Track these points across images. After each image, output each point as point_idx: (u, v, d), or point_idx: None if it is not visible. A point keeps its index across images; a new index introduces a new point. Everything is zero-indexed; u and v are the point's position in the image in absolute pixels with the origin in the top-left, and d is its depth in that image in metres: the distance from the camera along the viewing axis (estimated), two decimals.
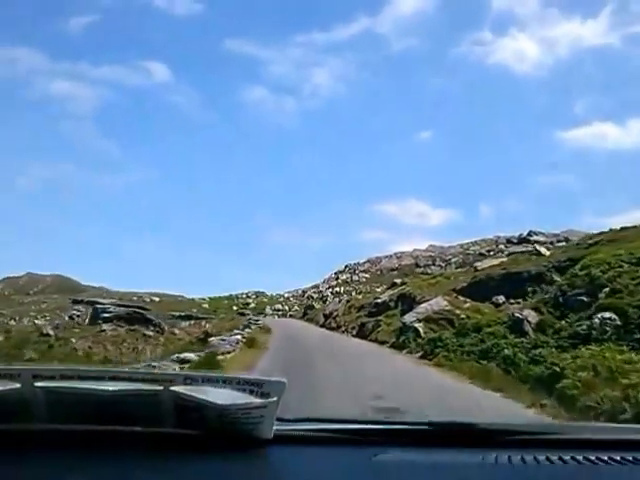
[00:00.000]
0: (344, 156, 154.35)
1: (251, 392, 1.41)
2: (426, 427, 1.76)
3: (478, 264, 34.35)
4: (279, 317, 69.68)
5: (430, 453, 1.60)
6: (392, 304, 35.11)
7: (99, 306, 55.89)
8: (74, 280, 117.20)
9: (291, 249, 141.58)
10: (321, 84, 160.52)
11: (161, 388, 1.38)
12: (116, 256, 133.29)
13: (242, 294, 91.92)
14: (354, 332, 36.74)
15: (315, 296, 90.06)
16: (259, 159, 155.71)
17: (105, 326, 47.84)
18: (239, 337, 26.54)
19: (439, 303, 27.34)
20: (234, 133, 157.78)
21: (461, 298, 28.41)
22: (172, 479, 1.39)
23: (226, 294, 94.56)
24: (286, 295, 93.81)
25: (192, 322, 54.04)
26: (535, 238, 53.93)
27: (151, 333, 43.08)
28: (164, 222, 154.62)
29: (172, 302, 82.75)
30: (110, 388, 1.36)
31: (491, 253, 70.49)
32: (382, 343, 29.33)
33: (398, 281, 52.45)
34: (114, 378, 1.40)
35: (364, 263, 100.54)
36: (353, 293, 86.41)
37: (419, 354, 23.22)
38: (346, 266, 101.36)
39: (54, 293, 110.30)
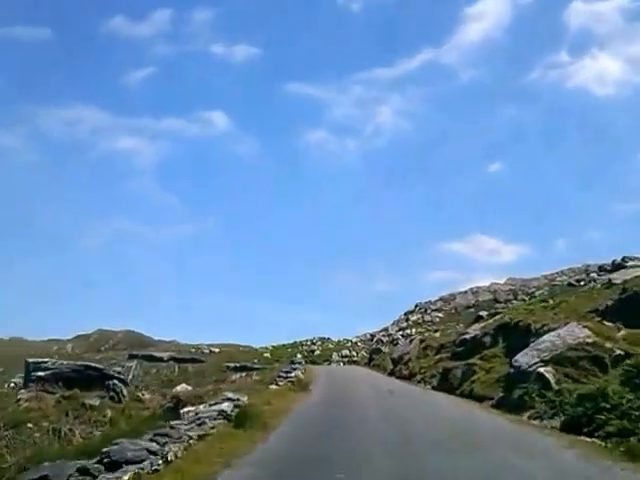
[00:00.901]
0: (409, 194, 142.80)
1: None
2: None
3: (614, 275, 22.32)
4: (344, 364, 57.84)
5: None
6: (488, 340, 23.07)
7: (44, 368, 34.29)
8: (145, 335, 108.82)
9: (356, 293, 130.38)
10: (384, 121, 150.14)
11: None
12: (187, 310, 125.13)
13: (307, 341, 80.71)
14: (434, 382, 24.83)
15: (385, 339, 78.07)
16: (321, 202, 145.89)
17: (24, 393, 31.90)
18: (228, 406, 14.80)
19: (574, 333, 15.28)
20: (296, 177, 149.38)
21: (608, 324, 16.06)
22: None
23: (291, 342, 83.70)
24: (354, 340, 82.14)
25: (243, 374, 42.95)
26: (632, 263, 41.01)
27: (98, 402, 28.46)
28: (230, 272, 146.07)
29: (233, 352, 72.95)
30: None
31: (581, 283, 57.31)
32: (481, 400, 17.28)
33: (484, 314, 40.33)
34: None
35: (436, 301, 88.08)
36: (426, 334, 74.21)
37: (557, 422, 11.58)
38: (416, 305, 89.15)
39: (124, 349, 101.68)
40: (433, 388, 25.72)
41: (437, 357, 30.40)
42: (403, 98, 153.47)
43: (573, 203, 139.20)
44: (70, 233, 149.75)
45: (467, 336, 26.69)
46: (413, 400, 19.68)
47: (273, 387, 23.81)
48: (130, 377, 47.60)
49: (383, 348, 50.96)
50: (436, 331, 50.12)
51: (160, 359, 60.31)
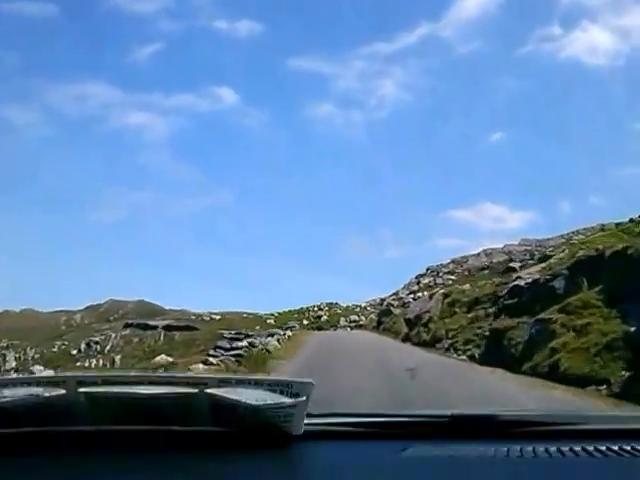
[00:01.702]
0: (414, 164, 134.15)
1: (281, 392, 1.37)
2: (450, 419, 1.61)
3: None
4: (352, 329, 48.73)
5: (454, 446, 1.45)
6: (561, 284, 13.52)
7: None
8: (156, 305, 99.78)
9: (364, 259, 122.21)
10: (387, 94, 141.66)
11: (196, 391, 1.35)
12: (198, 278, 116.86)
13: (314, 306, 71.71)
14: (474, 351, 15.69)
15: (395, 303, 69.03)
16: (329, 173, 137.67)
17: None
18: None
19: None
20: (303, 150, 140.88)
21: None
22: (207, 474, 1.35)
23: (297, 307, 74.70)
24: (363, 305, 73.11)
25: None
26: None
27: None
28: (241, 240, 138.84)
29: (235, 319, 64.20)
30: (148, 391, 1.32)
31: None
32: (582, 383, 7.01)
33: (516, 265, 31.80)
34: (153, 382, 1.37)
35: (448, 264, 78.91)
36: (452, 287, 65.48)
37: None
38: (428, 269, 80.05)
39: (135, 318, 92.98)
40: (472, 359, 16.75)
41: (471, 315, 21.51)
42: (404, 71, 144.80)
43: (573, 170, 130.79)
44: (84, 206, 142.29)
45: (521, 282, 17.52)
46: (468, 393, 10.37)
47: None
48: (108, 347, 38.87)
49: (394, 309, 41.77)
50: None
51: (154, 327, 51.83)
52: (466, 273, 75.10)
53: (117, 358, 36.83)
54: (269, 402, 1.32)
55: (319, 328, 59.86)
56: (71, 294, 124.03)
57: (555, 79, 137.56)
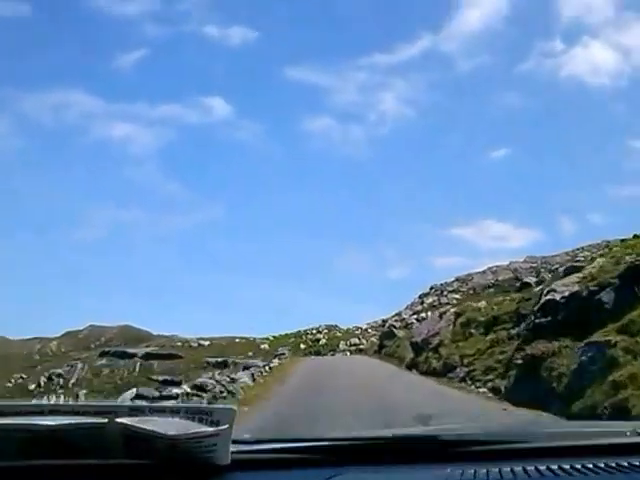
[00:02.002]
0: (416, 180, 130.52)
1: (200, 420, 1.26)
2: (389, 441, 1.57)
3: None
4: (351, 354, 44.55)
5: (393, 471, 1.38)
6: (610, 298, 9.47)
7: None
8: (143, 330, 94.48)
9: (365, 279, 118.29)
10: (387, 108, 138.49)
11: (106, 420, 1.23)
12: (189, 301, 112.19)
13: (312, 329, 67.59)
14: (499, 383, 11.63)
15: (398, 325, 65.03)
16: (327, 188, 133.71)
17: None
18: None
19: None
20: (300, 164, 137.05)
21: None
22: None
23: (295, 330, 70.57)
24: (363, 327, 68.93)
25: (217, 372, 30.16)
26: None
27: None
28: (235, 260, 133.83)
29: (226, 345, 60.21)
30: (51, 423, 1.20)
31: None
32: None
33: (531, 280, 28.24)
34: (55, 412, 1.24)
35: (452, 282, 75.09)
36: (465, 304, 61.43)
37: None
38: (431, 287, 76.05)
39: (119, 345, 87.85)
40: (496, 392, 12.89)
41: (490, 337, 17.66)
42: (406, 84, 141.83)
43: (574, 187, 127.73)
44: (64, 225, 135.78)
45: (556, 296, 13.69)
46: None
47: None
48: (73, 380, 34.84)
49: (397, 331, 37.81)
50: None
51: (133, 355, 47.88)
52: (471, 292, 71.16)
53: (81, 393, 32.83)
54: (187, 432, 1.21)
55: (317, 353, 55.81)
56: (49, 320, 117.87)
57: (557, 95, 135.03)
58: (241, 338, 67.30)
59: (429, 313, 66.10)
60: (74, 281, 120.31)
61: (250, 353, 53.29)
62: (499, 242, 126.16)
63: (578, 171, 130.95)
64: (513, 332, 16.10)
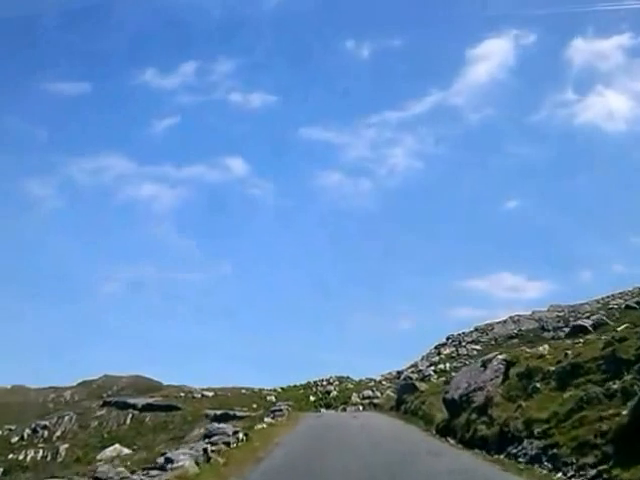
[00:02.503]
0: (428, 233, 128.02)
1: None
2: None
3: None
4: (363, 408, 39.93)
5: None
6: None
7: None
8: (153, 380, 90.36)
9: (377, 331, 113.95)
10: (398, 163, 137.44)
11: None
12: (201, 352, 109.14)
13: (322, 380, 62.90)
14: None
15: (414, 376, 60.24)
16: (338, 242, 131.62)
17: None
18: None
19: None
20: (312, 218, 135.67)
21: None
22: None
23: (305, 382, 65.89)
24: (377, 379, 64.13)
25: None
26: None
27: None
28: (247, 313, 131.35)
29: (231, 396, 55.72)
30: None
31: None
32: None
33: (587, 324, 24.33)
34: None
35: (471, 332, 70.61)
36: (518, 349, 56.49)
37: None
38: (448, 338, 71.57)
39: (130, 395, 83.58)
40: None
41: (570, 394, 13.26)
42: (415, 140, 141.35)
43: (590, 237, 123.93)
44: (88, 279, 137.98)
45: None
46: None
47: None
48: (58, 433, 30.71)
49: (420, 384, 33.17)
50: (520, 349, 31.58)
51: (134, 406, 43.71)
52: (492, 342, 66.45)
53: (63, 448, 28.63)
54: None
55: (327, 405, 51.16)
56: (68, 370, 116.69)
57: (570, 145, 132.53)
58: (248, 389, 62.81)
59: (447, 364, 61.39)
60: (92, 333, 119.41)
61: (254, 405, 48.93)
62: (512, 293, 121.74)
63: (592, 221, 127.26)
64: (615, 386, 11.79)
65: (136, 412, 41.41)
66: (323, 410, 37.63)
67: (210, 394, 53.43)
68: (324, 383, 63.08)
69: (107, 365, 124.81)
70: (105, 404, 48.17)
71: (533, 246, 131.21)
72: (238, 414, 31.98)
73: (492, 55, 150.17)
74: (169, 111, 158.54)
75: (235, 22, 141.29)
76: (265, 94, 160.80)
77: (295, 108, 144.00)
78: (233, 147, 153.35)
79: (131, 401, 45.17)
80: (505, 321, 69.59)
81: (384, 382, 63.26)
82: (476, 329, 72.34)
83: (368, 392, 54.42)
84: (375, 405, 37.15)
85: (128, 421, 38.91)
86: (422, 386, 31.03)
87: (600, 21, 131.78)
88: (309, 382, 64.44)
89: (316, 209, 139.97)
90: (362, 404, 39.68)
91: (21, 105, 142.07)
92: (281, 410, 27.33)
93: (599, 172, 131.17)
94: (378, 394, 53.72)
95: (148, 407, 41.70)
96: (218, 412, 33.99)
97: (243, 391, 61.72)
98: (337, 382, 63.49)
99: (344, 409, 37.88)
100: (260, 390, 58.86)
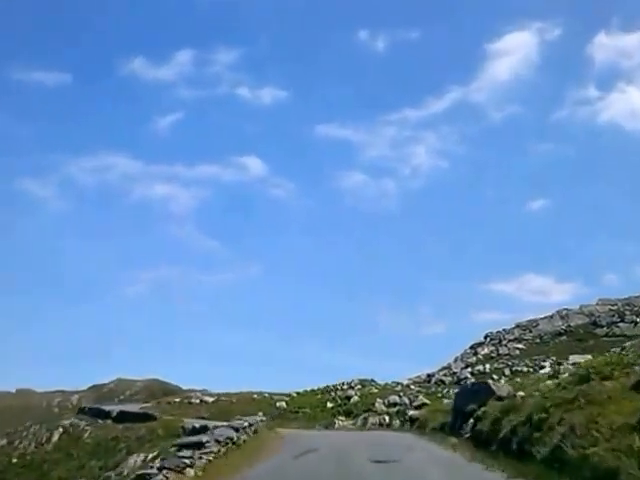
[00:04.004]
0: (451, 234, 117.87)
1: None
2: None
3: None
4: (389, 421, 29.14)
5: None
6: None
7: None
8: (170, 384, 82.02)
9: (400, 335, 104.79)
10: (420, 162, 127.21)
11: None
12: (219, 356, 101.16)
13: (342, 384, 52.91)
14: None
15: (447, 380, 50.07)
16: (361, 244, 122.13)
17: None
18: None
19: None
20: (333, 219, 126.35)
21: None
22: None
23: (323, 386, 55.96)
24: (405, 382, 53.86)
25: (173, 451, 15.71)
26: None
27: None
28: (266, 315, 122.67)
29: (236, 402, 46.37)
30: None
31: None
32: None
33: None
34: None
35: (512, 329, 60.24)
36: (506, 371, 46.05)
37: None
38: (486, 336, 61.24)
39: (143, 399, 74.87)
40: None
41: None
42: (437, 138, 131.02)
43: (617, 237, 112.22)
44: (106, 282, 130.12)
45: None
46: None
47: None
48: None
49: (497, 384, 20.44)
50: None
51: (108, 414, 34.42)
52: (538, 340, 55.85)
53: None
54: None
55: (347, 413, 41.21)
56: (82, 373, 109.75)
57: (594, 143, 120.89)
58: (259, 394, 53.32)
59: (487, 366, 50.90)
60: (108, 336, 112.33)
61: (260, 413, 39.15)
62: (539, 296, 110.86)
63: (618, 221, 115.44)
64: None
65: (108, 422, 32.24)
66: (338, 421, 27.91)
67: (210, 399, 43.98)
68: (344, 387, 53.16)
69: (122, 369, 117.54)
70: (80, 411, 38.96)
71: (560, 247, 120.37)
72: (218, 424, 22.28)
73: (514, 50, 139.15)
74: (170, 107, 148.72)
75: (239, 10, 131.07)
76: (275, 89, 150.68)
77: (308, 104, 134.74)
78: (247, 145, 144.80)
79: (106, 409, 35.98)
80: (551, 316, 59.07)
81: (412, 386, 53.10)
82: (518, 326, 62.07)
83: (395, 398, 44.34)
84: (412, 421, 25.50)
85: (57, 437, 29.46)
86: (503, 389, 18.73)
87: (625, 14, 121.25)
88: (327, 386, 54.57)
89: (339, 210, 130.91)
90: (388, 413, 29.58)
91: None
92: (244, 426, 17.10)
93: (624, 171, 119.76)
94: (406, 400, 43.58)
95: (122, 415, 32.55)
96: (198, 425, 24.31)
97: (255, 396, 52.29)
98: (359, 386, 53.48)
99: (364, 422, 27.86)
100: (271, 396, 49.09)
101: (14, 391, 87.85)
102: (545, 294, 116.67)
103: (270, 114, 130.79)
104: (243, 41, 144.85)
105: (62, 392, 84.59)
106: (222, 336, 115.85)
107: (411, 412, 25.20)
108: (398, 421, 27.31)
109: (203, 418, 31.21)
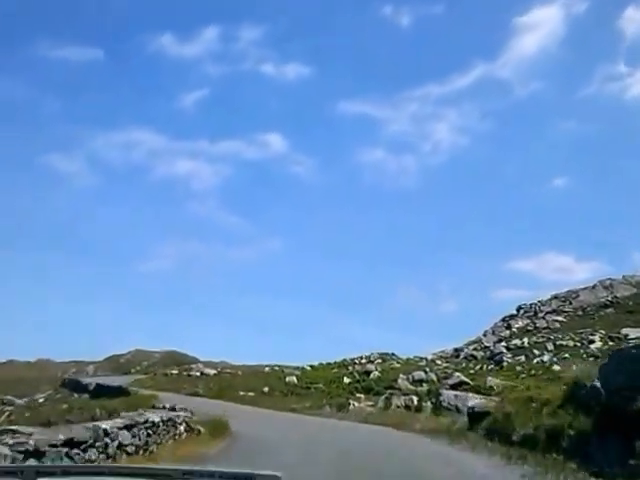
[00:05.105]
0: (472, 212, 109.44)
1: None
2: None
3: None
4: (420, 405, 21.57)
5: None
6: None
7: None
8: (189, 356, 77.51)
9: (420, 311, 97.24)
10: (442, 138, 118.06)
11: None
12: (239, 327, 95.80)
13: (361, 358, 46.26)
14: None
15: (479, 355, 43.03)
16: (381, 220, 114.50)
17: None
18: None
19: None
20: (354, 195, 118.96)
21: None
22: None
23: (340, 359, 49.50)
24: (429, 357, 46.97)
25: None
26: None
27: None
28: (286, 289, 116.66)
29: (242, 375, 40.21)
30: None
31: None
32: None
33: None
34: (114, 473, 1.30)
35: (549, 301, 52.86)
36: (549, 345, 38.82)
37: None
38: (519, 308, 53.92)
39: (154, 371, 70.00)
40: None
41: None
42: (459, 114, 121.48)
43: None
44: (132, 257, 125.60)
45: None
46: None
47: None
48: None
49: None
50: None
51: (85, 388, 28.30)
52: (580, 312, 48.37)
53: None
54: None
55: (367, 390, 34.58)
56: (100, 343, 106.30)
57: (621, 120, 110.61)
58: (272, 367, 47.11)
59: (525, 339, 43.72)
60: (131, 307, 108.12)
61: (266, 389, 32.74)
62: (560, 274, 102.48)
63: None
64: None
65: (85, 396, 26.30)
66: (354, 402, 21.12)
67: (212, 372, 37.71)
68: (363, 361, 46.60)
69: (146, 341, 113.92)
70: (63, 384, 33.14)
71: (583, 226, 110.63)
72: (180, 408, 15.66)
73: (541, 24, 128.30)
74: (196, 83, 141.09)
75: None
76: (298, 65, 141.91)
77: (331, 80, 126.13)
78: (270, 122, 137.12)
79: (84, 381, 30.12)
80: (594, 286, 51.38)
81: (439, 361, 46.28)
82: (555, 297, 54.56)
83: (420, 374, 37.60)
84: (474, 417, 14.43)
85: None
86: None
87: None
88: (345, 360, 48.01)
89: (359, 186, 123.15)
90: (417, 393, 22.59)
91: (28, 73, 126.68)
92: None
93: None
94: (433, 376, 36.65)
95: (99, 389, 26.56)
96: (167, 406, 17.83)
97: (266, 369, 46.11)
98: (379, 360, 46.87)
99: (387, 403, 20.93)
100: (281, 368, 42.62)
101: (34, 361, 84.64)
102: (566, 272, 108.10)
103: (293, 90, 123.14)
104: (268, 17, 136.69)
105: (77, 362, 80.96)
106: (242, 309, 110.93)
107: (473, 402, 16.05)
108: (429, 404, 20.32)
109: (197, 394, 24.91)
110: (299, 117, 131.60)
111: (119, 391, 24.48)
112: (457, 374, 24.08)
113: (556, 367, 33.84)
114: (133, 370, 73.46)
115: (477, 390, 22.04)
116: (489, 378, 22.56)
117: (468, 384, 22.45)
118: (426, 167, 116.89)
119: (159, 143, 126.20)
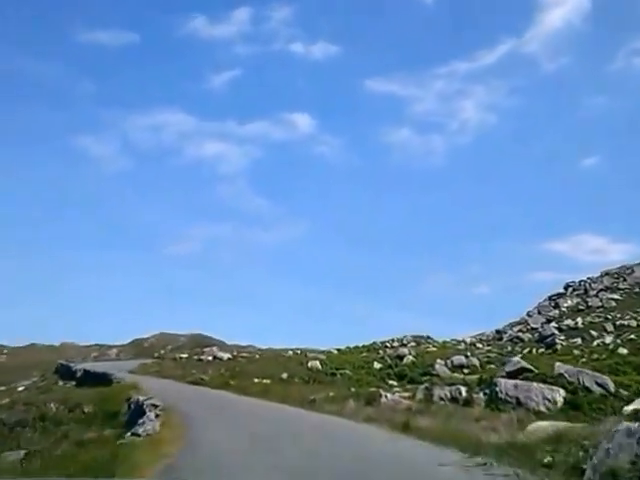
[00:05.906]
0: (502, 192, 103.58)
1: None
2: None
3: None
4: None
5: None
6: None
7: None
8: (215, 338, 73.80)
9: (451, 294, 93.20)
10: (469, 117, 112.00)
11: None
12: (269, 312, 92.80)
13: (392, 340, 41.21)
14: None
15: (527, 337, 37.56)
16: (410, 202, 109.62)
17: None
18: None
19: None
20: (382, 176, 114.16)
21: None
22: None
23: (370, 342, 44.69)
24: (467, 340, 41.66)
25: None
26: None
27: None
28: (315, 273, 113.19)
29: (260, 359, 35.58)
30: None
31: None
32: None
33: None
34: None
35: (599, 278, 46.95)
36: (608, 326, 33.20)
37: None
38: (567, 286, 48.13)
39: (183, 354, 65.37)
40: None
41: None
42: (486, 91, 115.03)
43: None
44: (160, 240, 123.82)
45: None
46: None
47: None
48: None
49: None
50: None
51: (74, 375, 23.86)
52: (637, 289, 42.36)
53: None
54: None
55: (400, 376, 29.80)
56: (126, 327, 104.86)
57: None
58: (296, 351, 42.49)
59: (578, 320, 38.04)
60: (158, 290, 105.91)
61: (284, 375, 28.00)
62: (596, 256, 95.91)
63: None
64: None
65: (71, 383, 22.07)
66: (385, 393, 16.07)
67: (225, 356, 33.17)
68: (395, 344, 41.56)
69: (166, 323, 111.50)
70: (56, 370, 29.09)
71: (616, 206, 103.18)
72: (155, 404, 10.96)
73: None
74: (226, 64, 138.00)
75: None
76: (327, 44, 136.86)
77: (358, 59, 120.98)
78: (297, 102, 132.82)
79: (75, 367, 25.94)
80: None
81: (479, 344, 41.03)
82: (607, 274, 48.51)
83: (460, 358, 32.53)
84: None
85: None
86: None
87: None
88: (374, 343, 43.07)
89: (387, 166, 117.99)
90: (466, 384, 17.45)
91: (63, 56, 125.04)
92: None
93: None
94: (476, 362, 31.40)
95: (85, 377, 22.35)
96: (149, 399, 13.18)
97: (289, 353, 41.48)
98: (413, 343, 41.73)
99: (428, 394, 15.77)
100: (304, 352, 37.87)
101: (58, 345, 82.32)
102: (601, 253, 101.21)
103: (321, 69, 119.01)
104: None
105: (100, 346, 78.09)
106: (270, 292, 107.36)
107: (630, 407, 9.79)
108: (482, 395, 15.29)
109: (197, 383, 20.37)
110: (326, 97, 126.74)
111: (104, 379, 20.27)
112: (516, 359, 18.97)
113: (622, 350, 28.40)
114: (156, 354, 70.15)
115: (543, 379, 16.82)
116: (557, 364, 17.32)
117: (531, 371, 17.28)
118: (454, 146, 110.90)
119: (189, 125, 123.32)
